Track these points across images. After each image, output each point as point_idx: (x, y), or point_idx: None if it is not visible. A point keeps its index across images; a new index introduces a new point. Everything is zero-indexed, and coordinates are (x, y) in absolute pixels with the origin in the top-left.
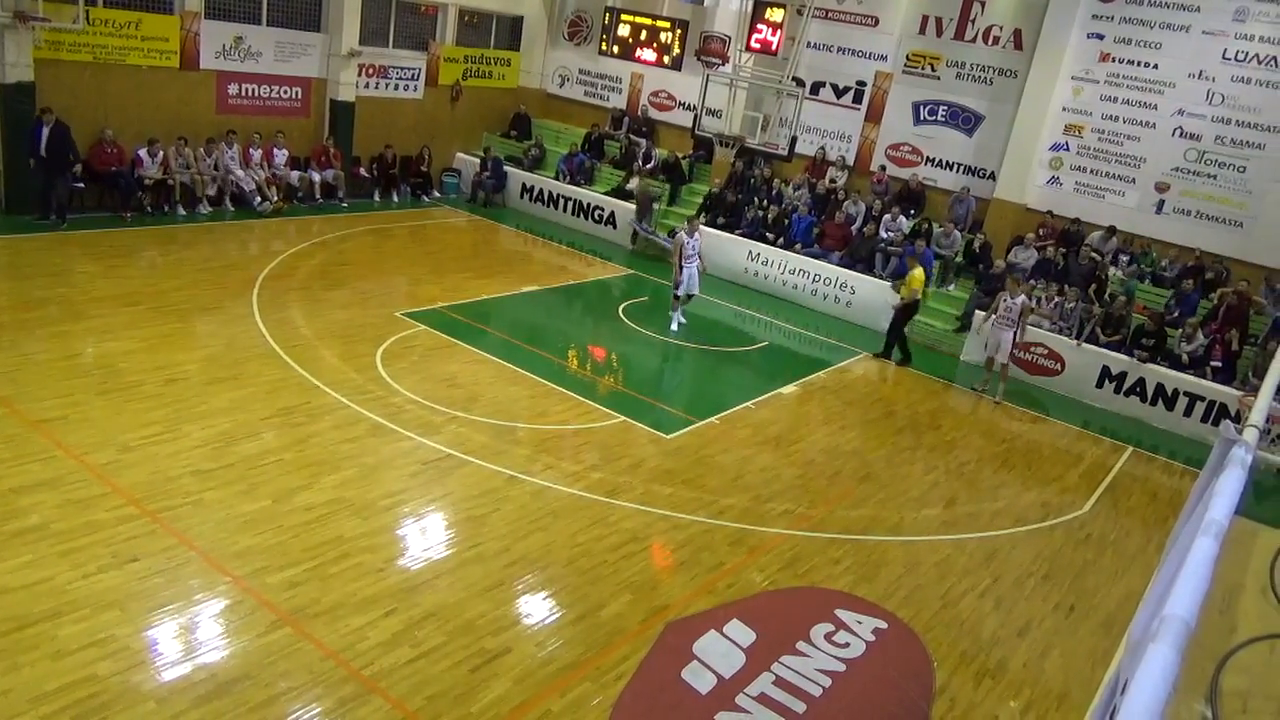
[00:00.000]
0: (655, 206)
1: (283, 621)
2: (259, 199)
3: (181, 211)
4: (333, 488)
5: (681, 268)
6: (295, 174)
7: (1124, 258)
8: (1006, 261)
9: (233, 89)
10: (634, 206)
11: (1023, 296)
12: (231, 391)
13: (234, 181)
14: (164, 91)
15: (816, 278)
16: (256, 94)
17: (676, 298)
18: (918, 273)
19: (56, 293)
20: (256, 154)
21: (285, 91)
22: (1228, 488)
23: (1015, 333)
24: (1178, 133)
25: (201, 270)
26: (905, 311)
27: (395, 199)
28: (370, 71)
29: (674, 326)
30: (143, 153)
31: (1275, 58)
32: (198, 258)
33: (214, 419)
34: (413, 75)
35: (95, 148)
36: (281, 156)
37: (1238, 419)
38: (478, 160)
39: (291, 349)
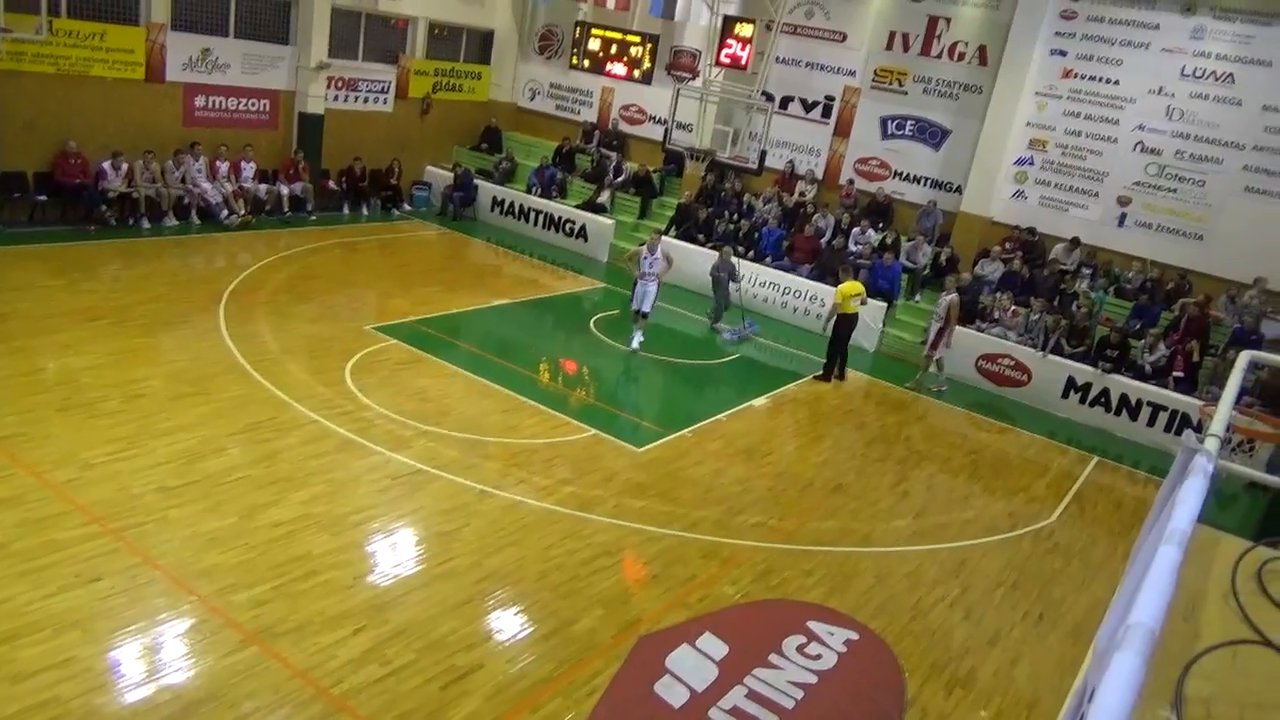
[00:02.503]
0: (731, 284)
1: (249, 640)
2: (226, 212)
3: (147, 225)
4: (301, 504)
5: (635, 282)
6: (263, 187)
7: (1087, 270)
8: (972, 274)
9: (200, 101)
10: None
11: (954, 294)
12: (197, 407)
13: (200, 194)
14: (129, 103)
15: (786, 290)
16: (224, 106)
17: (637, 314)
18: (845, 286)
19: (17, 307)
20: (223, 167)
21: (253, 104)
22: (1190, 496)
23: (943, 327)
24: (1139, 147)
25: (167, 284)
26: (843, 327)
27: (365, 212)
28: (339, 84)
29: (634, 344)
30: (106, 165)
31: (1232, 75)
32: (163, 271)
33: (179, 435)
34: (382, 88)
35: (58, 159)
36: (249, 170)
37: (1199, 428)
38: (450, 174)
39: (259, 364)
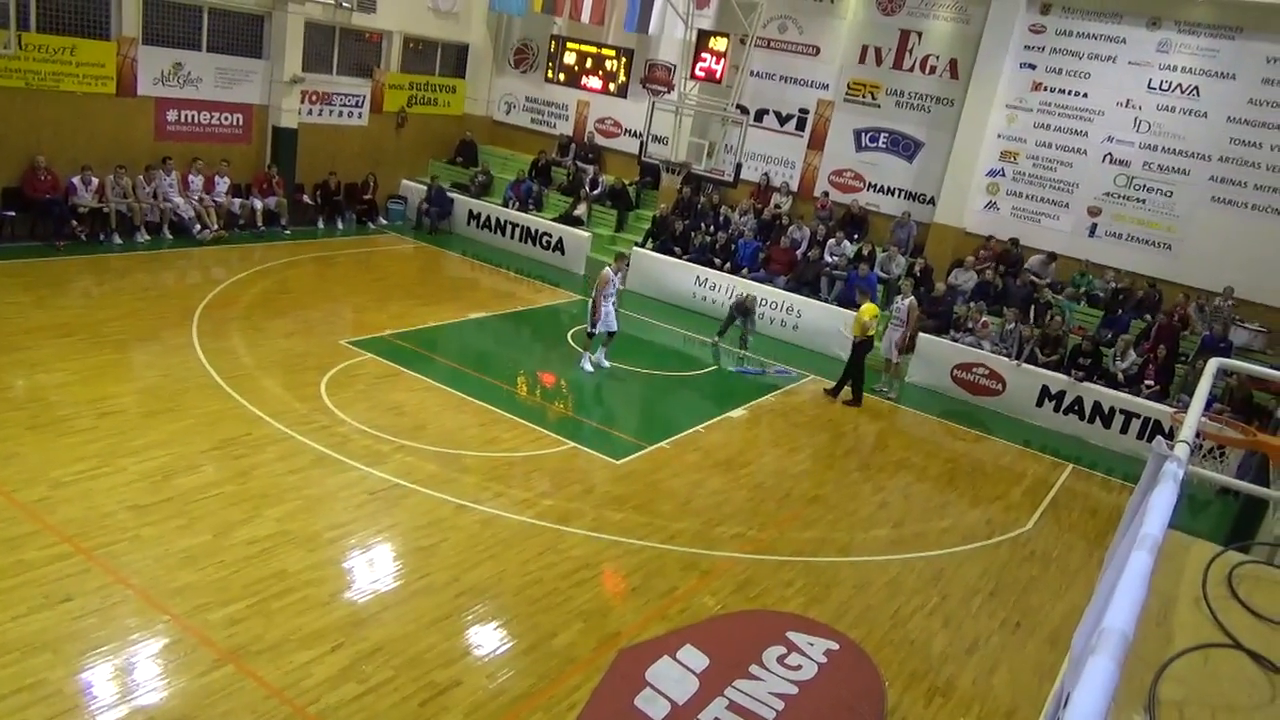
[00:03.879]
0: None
1: (224, 660)
2: (199, 227)
3: (118, 240)
4: (276, 520)
5: (599, 305)
6: (236, 201)
7: (1060, 283)
8: (945, 284)
9: (172, 115)
10: (734, 312)
11: (911, 298)
12: (170, 424)
13: (173, 209)
14: (100, 118)
15: (763, 302)
16: (196, 120)
17: (591, 335)
18: (865, 308)
19: None
20: (196, 181)
21: (226, 118)
22: (1161, 502)
23: (904, 332)
24: (1108, 159)
25: (139, 300)
26: (859, 349)
27: (340, 226)
28: (314, 98)
29: (587, 367)
30: (76, 180)
31: (1197, 87)
32: (135, 287)
33: (151, 452)
34: (357, 102)
35: (28, 175)
36: (223, 184)
37: (1171, 435)
38: (424, 188)
39: (233, 379)
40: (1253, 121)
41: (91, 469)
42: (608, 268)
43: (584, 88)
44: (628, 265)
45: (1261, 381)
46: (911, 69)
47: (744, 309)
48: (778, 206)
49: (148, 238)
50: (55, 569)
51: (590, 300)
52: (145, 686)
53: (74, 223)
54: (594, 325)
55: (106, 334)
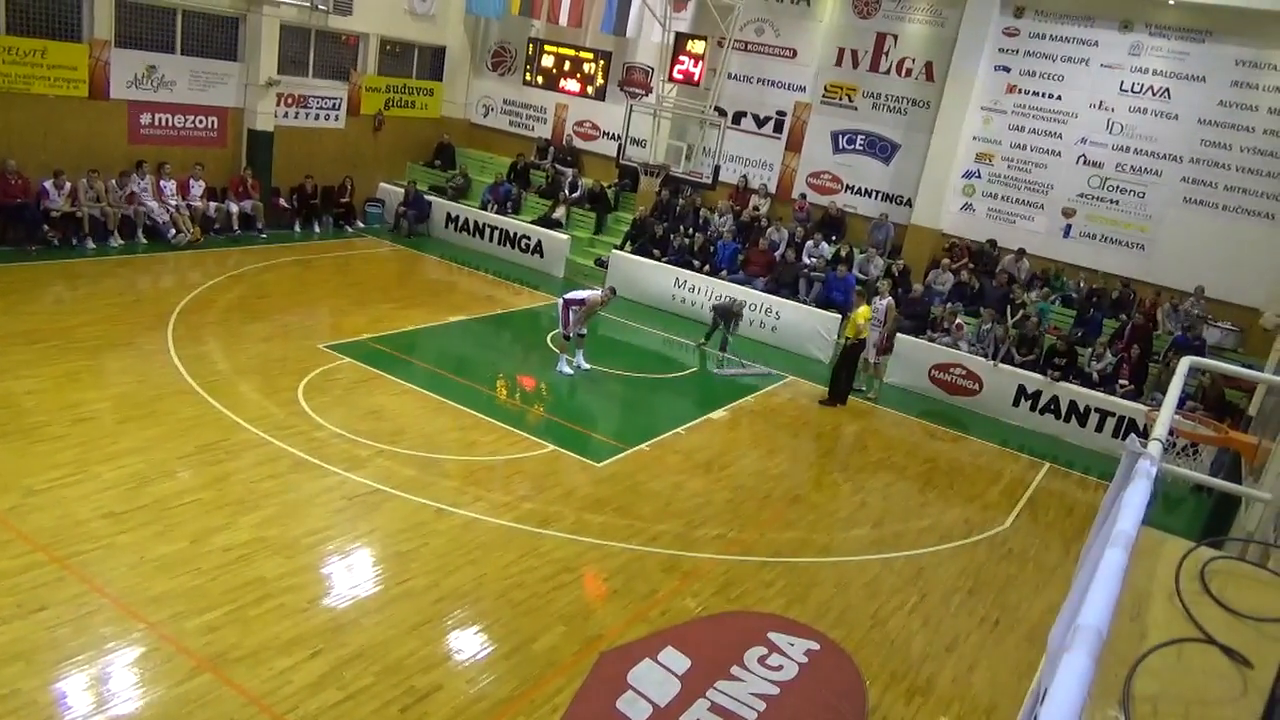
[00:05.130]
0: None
1: (201, 668)
2: (173, 231)
3: (91, 245)
4: (253, 527)
5: (568, 320)
6: (212, 205)
7: (1035, 281)
8: (925, 284)
9: (145, 119)
10: (716, 316)
11: (889, 299)
12: (145, 430)
13: (146, 213)
14: (72, 121)
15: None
16: (170, 124)
17: (567, 339)
18: (860, 310)
19: None
20: (170, 185)
21: (201, 121)
22: (1135, 500)
23: (882, 333)
24: (1081, 160)
25: (112, 305)
26: (851, 351)
27: (317, 230)
28: (289, 101)
29: (566, 369)
30: (48, 184)
31: (1168, 89)
32: (108, 292)
33: (126, 459)
34: (334, 105)
35: None
36: (198, 188)
37: (1145, 433)
38: (402, 190)
39: (209, 384)
40: (1222, 123)
41: (65, 476)
42: (599, 293)
43: (562, 90)
44: (614, 298)
45: (1233, 379)
46: (888, 71)
47: (728, 313)
48: (756, 208)
49: (121, 242)
50: (28, 578)
51: (561, 304)
52: (121, 696)
53: (46, 227)
54: (566, 330)
55: (80, 340)
